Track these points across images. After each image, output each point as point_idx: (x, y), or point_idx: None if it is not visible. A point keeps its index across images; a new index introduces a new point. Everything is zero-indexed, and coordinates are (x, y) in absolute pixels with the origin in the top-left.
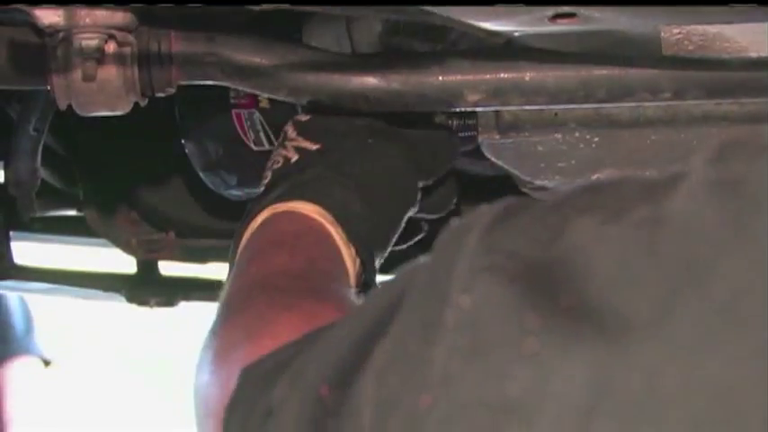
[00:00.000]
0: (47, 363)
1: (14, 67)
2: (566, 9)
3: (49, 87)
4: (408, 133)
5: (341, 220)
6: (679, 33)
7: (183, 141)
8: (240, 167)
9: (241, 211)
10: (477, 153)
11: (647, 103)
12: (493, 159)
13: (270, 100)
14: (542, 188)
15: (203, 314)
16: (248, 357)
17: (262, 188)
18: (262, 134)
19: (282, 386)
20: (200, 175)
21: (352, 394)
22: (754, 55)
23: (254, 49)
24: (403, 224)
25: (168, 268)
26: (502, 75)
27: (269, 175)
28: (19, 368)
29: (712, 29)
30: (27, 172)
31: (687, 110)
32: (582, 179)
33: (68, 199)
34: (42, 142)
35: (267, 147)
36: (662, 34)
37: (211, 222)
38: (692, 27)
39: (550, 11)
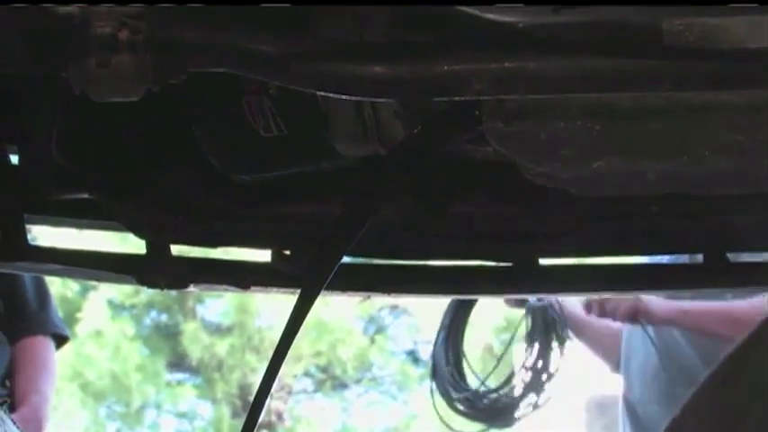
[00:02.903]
0: (62, 340)
1: (30, 53)
2: None
3: (64, 73)
4: None
5: None
6: (680, 25)
7: (194, 127)
8: (250, 153)
9: (250, 196)
10: (481, 140)
11: (647, 93)
12: (497, 147)
13: (279, 87)
14: (545, 175)
15: None
16: None
17: None
18: (271, 120)
19: None
20: (211, 160)
21: None
22: (753, 46)
23: (263, 37)
24: None
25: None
26: (506, 64)
27: None
28: (33, 345)
29: (713, 20)
30: (41, 155)
31: (687, 100)
32: (580, 167)
33: (81, 182)
34: (57, 127)
35: (276, 133)
36: (663, 26)
37: (221, 206)
38: (693, 19)
39: None
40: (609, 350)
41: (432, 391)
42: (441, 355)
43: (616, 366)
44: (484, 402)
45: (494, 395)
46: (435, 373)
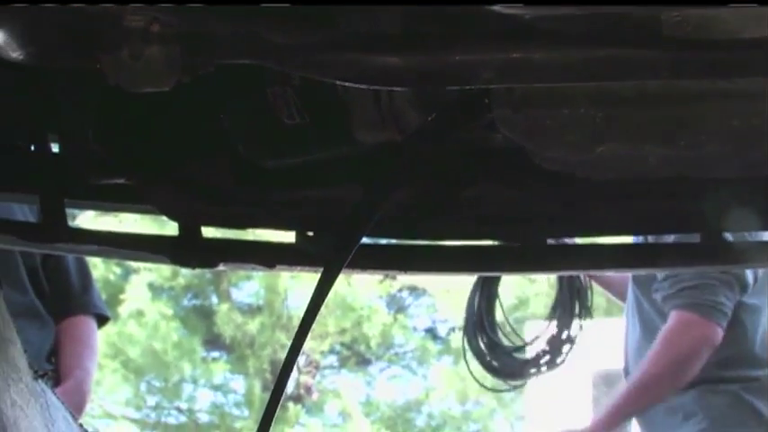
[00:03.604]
0: (103, 319)
1: (66, 47)
2: None
3: (99, 66)
4: None
5: None
6: (677, 16)
7: (222, 116)
8: (274, 140)
9: (275, 180)
10: (491, 127)
11: (647, 81)
12: (506, 133)
13: (301, 77)
14: (551, 159)
15: None
16: None
17: None
18: (294, 109)
19: None
20: (238, 147)
21: None
22: (748, 36)
23: (287, 29)
24: None
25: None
26: (513, 54)
27: None
28: (77, 324)
29: (709, 11)
30: (81, 144)
31: (685, 88)
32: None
33: (117, 169)
34: (94, 117)
35: (299, 121)
36: (662, 17)
37: (248, 191)
38: (690, 10)
39: None
40: (619, 289)
41: (464, 350)
42: (474, 322)
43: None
44: (513, 361)
45: (520, 355)
46: (470, 338)
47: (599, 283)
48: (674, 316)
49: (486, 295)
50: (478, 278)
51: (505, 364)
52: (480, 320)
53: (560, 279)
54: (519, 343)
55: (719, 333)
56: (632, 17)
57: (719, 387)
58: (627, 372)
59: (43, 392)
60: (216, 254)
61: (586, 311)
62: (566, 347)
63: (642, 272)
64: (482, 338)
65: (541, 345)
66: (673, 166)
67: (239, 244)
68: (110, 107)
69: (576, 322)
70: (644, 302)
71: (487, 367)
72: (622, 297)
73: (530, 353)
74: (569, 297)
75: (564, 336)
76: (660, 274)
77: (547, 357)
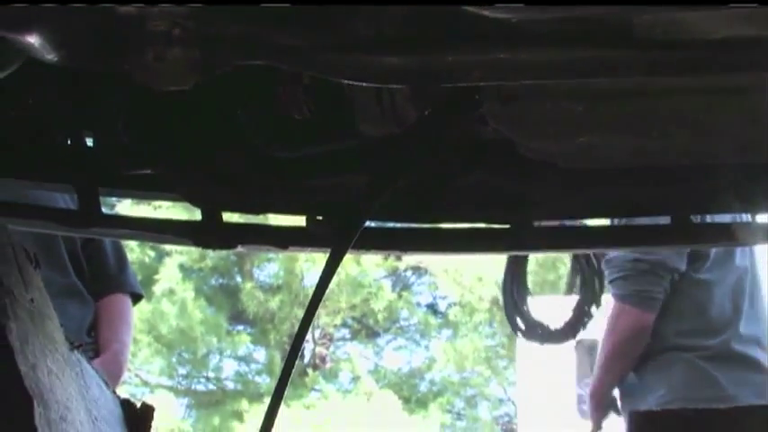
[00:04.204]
0: (137, 297)
1: (96, 49)
2: None
3: (126, 67)
4: None
5: None
6: (649, 19)
7: (239, 112)
8: (286, 134)
9: (288, 170)
10: (481, 121)
11: (622, 78)
12: (495, 126)
13: (310, 77)
14: (536, 150)
15: None
16: None
17: None
18: (304, 105)
19: None
20: (254, 140)
21: None
22: (713, 37)
23: (297, 33)
24: None
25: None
26: (501, 55)
27: None
28: (114, 301)
29: (678, 14)
30: (112, 138)
31: (656, 84)
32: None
33: (146, 160)
34: (124, 113)
35: (308, 116)
36: (634, 20)
37: (263, 179)
38: (661, 14)
39: None
40: None
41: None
42: (509, 299)
43: None
44: (545, 331)
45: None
46: (510, 318)
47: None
48: (612, 304)
49: (516, 279)
50: (508, 261)
51: (538, 335)
52: (514, 303)
53: (578, 259)
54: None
55: (650, 317)
56: (608, 20)
57: (677, 356)
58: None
59: (78, 362)
60: (235, 236)
61: (603, 289)
62: (586, 319)
63: (619, 251)
64: (520, 318)
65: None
66: (646, 154)
67: (256, 227)
68: (138, 105)
69: (596, 298)
70: None
71: (522, 333)
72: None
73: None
74: (591, 275)
75: (587, 309)
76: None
77: (572, 328)
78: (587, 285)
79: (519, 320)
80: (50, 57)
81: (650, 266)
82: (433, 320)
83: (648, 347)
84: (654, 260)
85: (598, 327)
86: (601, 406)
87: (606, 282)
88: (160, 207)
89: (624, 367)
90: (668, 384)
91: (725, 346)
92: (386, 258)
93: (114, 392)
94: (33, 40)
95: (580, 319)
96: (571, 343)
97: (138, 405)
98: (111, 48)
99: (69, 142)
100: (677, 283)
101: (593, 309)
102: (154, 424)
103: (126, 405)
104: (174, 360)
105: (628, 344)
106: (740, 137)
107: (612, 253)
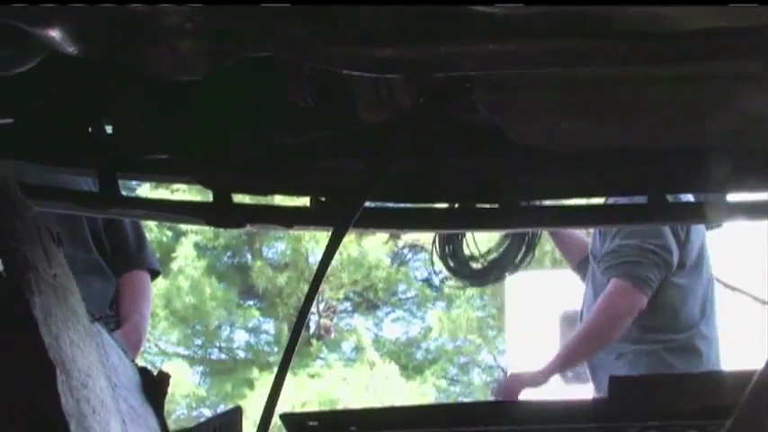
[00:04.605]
0: (155, 273)
1: (112, 43)
2: None
3: (141, 58)
4: None
5: None
6: (627, 13)
7: (246, 101)
8: (292, 121)
9: (293, 154)
10: (472, 107)
11: (601, 68)
12: (484, 113)
13: (312, 67)
14: (522, 134)
15: None
16: None
17: None
18: (306, 94)
19: None
20: (261, 126)
21: None
22: (685, 29)
23: (300, 26)
24: None
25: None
26: (489, 46)
27: None
28: (134, 277)
29: (652, 9)
30: (130, 125)
31: (637, 72)
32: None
33: (161, 146)
34: (141, 102)
35: (311, 104)
36: (613, 14)
37: (270, 163)
38: (637, 8)
39: None
40: (571, 252)
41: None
42: (442, 243)
43: (576, 266)
44: (469, 269)
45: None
46: (440, 248)
47: (555, 242)
48: (613, 282)
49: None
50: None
51: (465, 270)
52: (449, 236)
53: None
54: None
55: (645, 300)
56: (590, 14)
57: (645, 348)
58: (581, 318)
59: (99, 333)
60: (244, 216)
61: (535, 239)
62: (511, 262)
63: (599, 228)
64: (447, 248)
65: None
66: (624, 138)
67: (263, 208)
68: (153, 95)
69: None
70: (596, 272)
71: (451, 271)
72: (571, 257)
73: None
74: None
75: (515, 252)
76: (606, 248)
77: (498, 268)
78: (515, 237)
79: (450, 261)
80: (71, 50)
81: (656, 259)
82: (429, 293)
83: (623, 336)
84: (662, 253)
85: (577, 298)
86: (560, 371)
87: (607, 266)
88: (177, 190)
89: (603, 341)
90: (634, 371)
91: (689, 342)
92: (387, 240)
93: (132, 361)
94: (55, 34)
95: (507, 258)
96: (556, 314)
97: (155, 372)
98: (127, 41)
99: (90, 130)
100: (660, 284)
101: (521, 255)
102: (170, 389)
103: (143, 373)
104: (189, 331)
105: (620, 318)
106: (709, 123)
107: (625, 240)
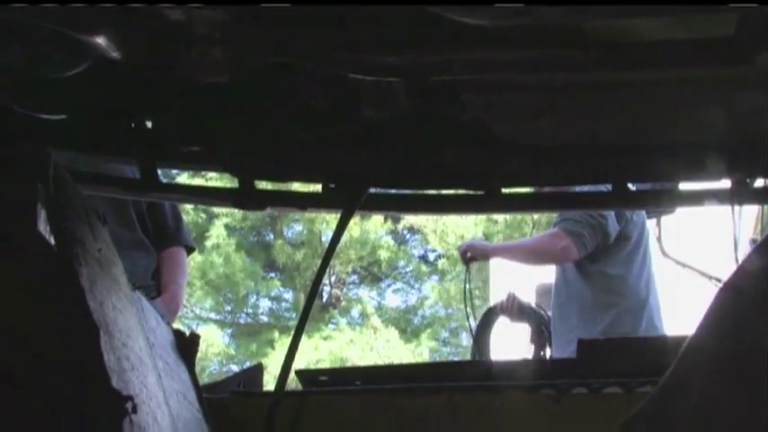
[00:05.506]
0: (191, 249)
1: (150, 50)
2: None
3: (175, 62)
4: None
5: None
6: (597, 25)
7: (265, 101)
8: (303, 118)
9: (306, 147)
10: (461, 107)
11: (576, 72)
12: (472, 111)
13: (323, 71)
14: (505, 131)
15: None
16: None
17: None
18: (318, 94)
19: None
20: (279, 122)
21: None
22: (654, 39)
23: (312, 35)
24: None
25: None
26: (477, 53)
27: None
28: (172, 253)
29: (620, 22)
30: (167, 121)
31: (609, 78)
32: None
33: (194, 139)
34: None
35: (321, 103)
36: (586, 25)
37: (288, 153)
38: (606, 20)
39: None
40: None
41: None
42: None
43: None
44: None
45: None
46: None
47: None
48: (552, 229)
49: None
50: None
51: None
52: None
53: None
54: None
55: (575, 251)
56: (564, 26)
57: (599, 315)
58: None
59: (139, 300)
60: (264, 200)
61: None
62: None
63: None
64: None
65: None
66: (593, 134)
67: (281, 193)
68: (187, 94)
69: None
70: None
71: None
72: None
73: None
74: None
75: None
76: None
77: None
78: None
79: None
80: (115, 54)
81: (594, 222)
82: (425, 268)
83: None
84: (598, 218)
85: (550, 272)
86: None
87: (555, 222)
88: (211, 178)
89: (522, 259)
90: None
91: (638, 308)
92: (385, 221)
93: (168, 323)
94: (100, 40)
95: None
96: (532, 286)
97: (188, 334)
98: (163, 47)
99: (133, 125)
100: (610, 251)
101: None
102: (203, 349)
103: (177, 334)
104: (220, 299)
105: (544, 254)
106: (667, 121)
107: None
